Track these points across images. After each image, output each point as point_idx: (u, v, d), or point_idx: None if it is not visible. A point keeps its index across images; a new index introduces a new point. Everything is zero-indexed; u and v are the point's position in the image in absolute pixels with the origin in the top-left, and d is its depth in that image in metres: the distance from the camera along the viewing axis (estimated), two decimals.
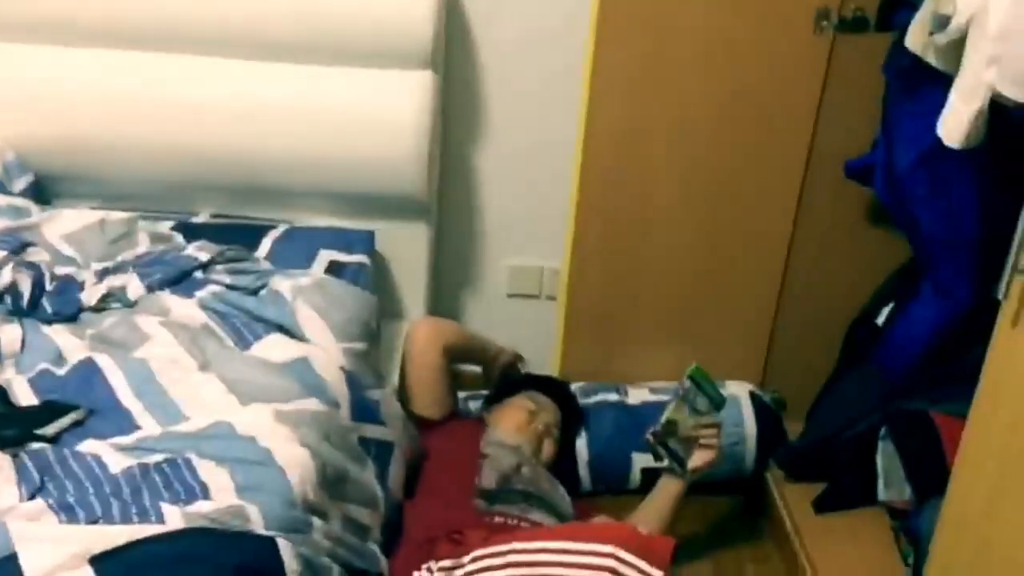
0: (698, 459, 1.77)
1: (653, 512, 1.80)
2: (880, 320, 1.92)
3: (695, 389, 1.76)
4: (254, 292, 1.78)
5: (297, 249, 1.96)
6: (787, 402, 2.16)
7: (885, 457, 1.81)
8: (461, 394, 2.12)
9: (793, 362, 2.18)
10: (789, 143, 2.03)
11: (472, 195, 2.31)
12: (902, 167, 1.69)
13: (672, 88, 2.00)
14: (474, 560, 1.40)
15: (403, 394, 1.92)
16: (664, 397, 1.95)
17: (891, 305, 1.91)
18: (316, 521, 1.34)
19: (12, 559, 1.11)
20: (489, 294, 2.39)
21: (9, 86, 2.00)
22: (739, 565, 1.96)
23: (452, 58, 2.14)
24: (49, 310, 1.69)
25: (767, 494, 2.04)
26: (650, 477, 1.88)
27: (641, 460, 2.03)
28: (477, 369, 2.19)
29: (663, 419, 1.74)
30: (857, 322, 2.01)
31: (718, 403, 1.79)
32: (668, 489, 1.79)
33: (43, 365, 1.56)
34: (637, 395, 2.14)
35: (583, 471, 2.07)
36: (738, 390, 2.12)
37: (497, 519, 1.64)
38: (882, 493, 1.82)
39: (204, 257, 1.82)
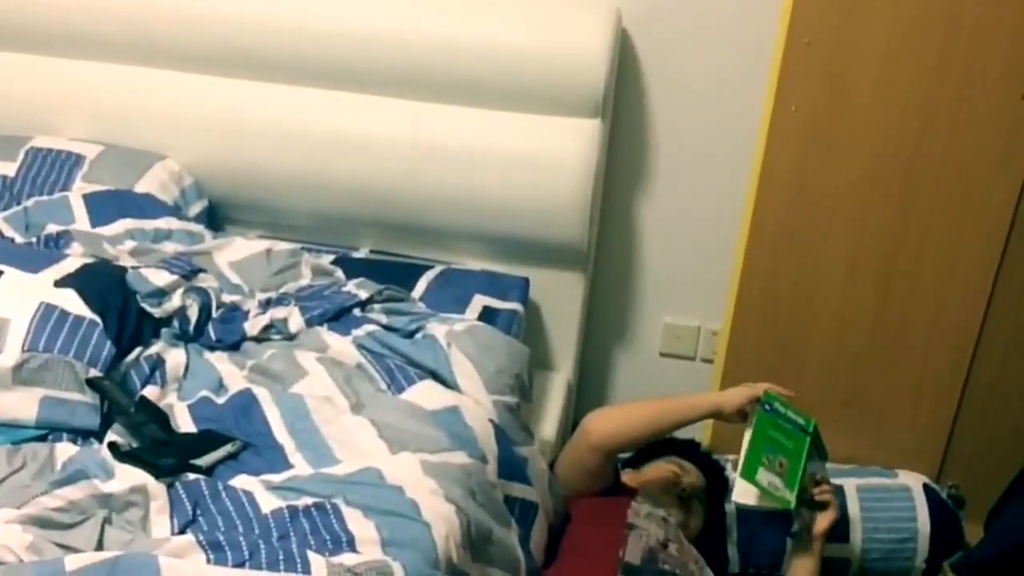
0: (822, 521, 1.69)
1: None
2: None
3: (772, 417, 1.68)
4: (409, 334, 1.76)
5: (452, 292, 1.94)
6: (966, 500, 1.96)
7: None
8: None
9: (976, 456, 1.99)
10: (985, 216, 1.86)
11: (631, 247, 2.24)
12: None
13: (852, 148, 1.87)
14: None
15: (559, 467, 1.79)
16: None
17: None
18: None
19: None
20: (642, 351, 2.31)
21: (191, 114, 2.09)
22: None
23: (621, 104, 2.09)
24: (213, 337, 1.73)
25: None
26: None
27: None
28: None
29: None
30: None
31: (803, 425, 1.71)
32: (803, 567, 1.71)
33: (204, 392, 1.58)
34: None
35: (731, 550, 1.94)
36: (911, 481, 1.95)
37: None
38: None
39: (363, 295, 1.82)
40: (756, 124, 1.92)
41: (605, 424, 1.74)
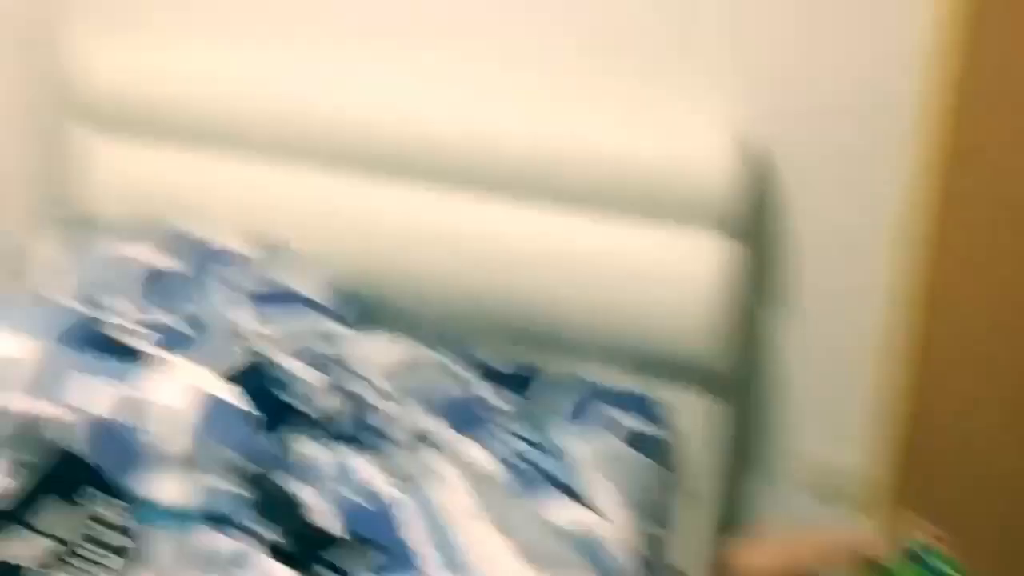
0: None
1: None
2: None
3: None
4: (547, 448, 1.74)
5: (589, 409, 1.91)
6: None
7: None
8: None
9: None
10: None
11: (773, 373, 2.17)
12: None
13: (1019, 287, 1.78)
14: None
15: None
16: None
17: None
18: None
19: None
20: (782, 484, 2.21)
21: (336, 216, 2.13)
22: None
23: (766, 228, 2.07)
24: (360, 440, 1.75)
25: None
26: None
27: None
28: None
29: None
30: None
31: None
32: None
33: (346, 493, 1.59)
34: None
35: None
36: None
37: None
38: None
39: (504, 406, 1.82)
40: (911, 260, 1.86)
41: (751, 559, 1.65)
